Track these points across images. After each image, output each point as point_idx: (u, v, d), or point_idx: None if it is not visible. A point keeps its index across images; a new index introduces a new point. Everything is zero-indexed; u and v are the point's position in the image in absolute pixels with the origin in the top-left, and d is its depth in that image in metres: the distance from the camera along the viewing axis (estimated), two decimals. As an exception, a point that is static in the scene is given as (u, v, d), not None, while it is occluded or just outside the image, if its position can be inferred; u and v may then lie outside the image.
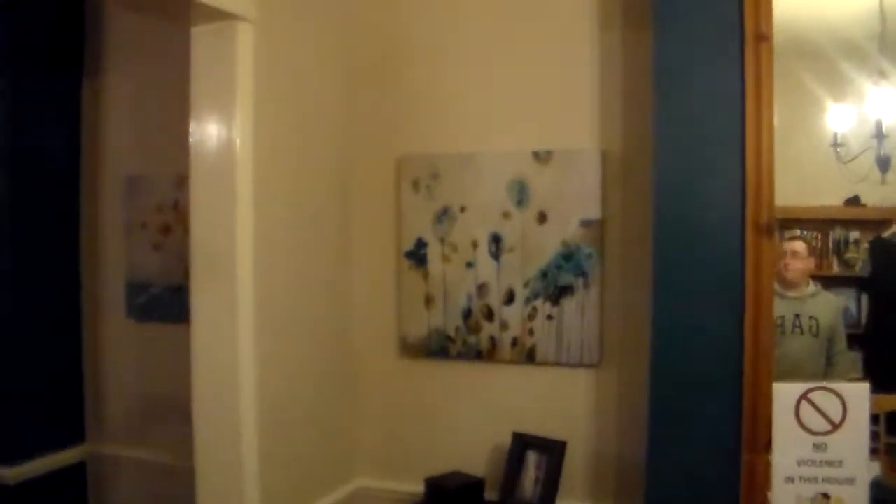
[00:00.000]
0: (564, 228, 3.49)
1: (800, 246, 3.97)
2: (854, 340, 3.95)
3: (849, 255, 4.14)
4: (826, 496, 2.60)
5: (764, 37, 2.83)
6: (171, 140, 3.54)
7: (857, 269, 4.12)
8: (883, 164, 3.75)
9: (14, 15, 3.97)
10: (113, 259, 4.27)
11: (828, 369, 3.87)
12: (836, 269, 4.16)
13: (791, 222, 4.13)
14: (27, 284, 4.03)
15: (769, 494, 2.62)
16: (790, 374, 3.30)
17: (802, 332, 3.84)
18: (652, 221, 2.99)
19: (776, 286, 3.78)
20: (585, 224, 3.46)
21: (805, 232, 4.13)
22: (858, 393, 2.60)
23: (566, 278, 3.49)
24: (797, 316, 3.84)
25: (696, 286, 2.93)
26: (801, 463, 2.60)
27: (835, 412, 2.58)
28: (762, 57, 2.84)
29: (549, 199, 3.52)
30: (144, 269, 4.16)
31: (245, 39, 3.12)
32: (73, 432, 4.26)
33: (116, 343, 4.29)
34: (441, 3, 3.77)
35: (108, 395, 4.31)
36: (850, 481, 2.58)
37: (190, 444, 3.24)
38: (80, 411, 4.31)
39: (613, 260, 3.46)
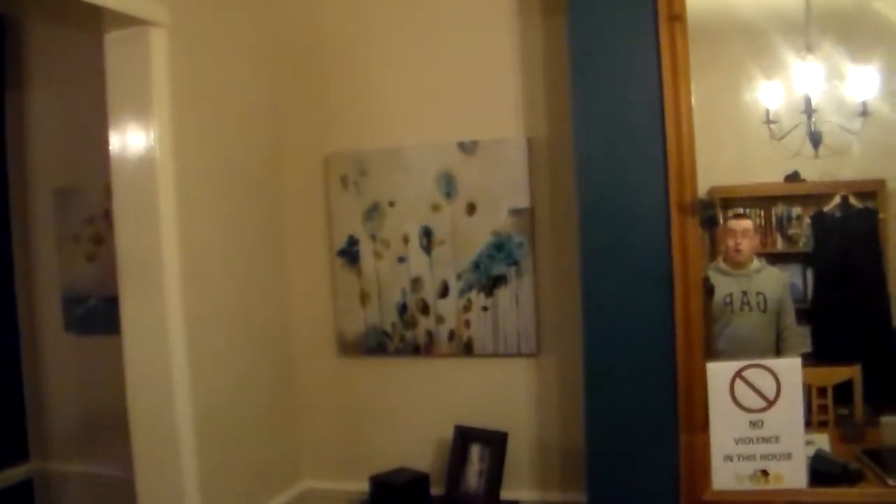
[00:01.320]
0: (494, 218, 3.50)
1: (748, 224, 3.97)
2: (802, 315, 3.96)
3: (792, 231, 4.13)
4: (765, 472, 2.61)
5: (677, 16, 2.83)
6: (97, 150, 3.48)
7: (801, 244, 4.11)
8: (814, 139, 3.76)
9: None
10: (47, 273, 4.22)
11: (779, 345, 3.88)
12: (780, 245, 4.16)
13: (733, 201, 4.13)
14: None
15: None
16: (742, 352, 3.30)
17: (751, 309, 3.84)
18: (578, 207, 2.98)
19: (723, 265, 3.80)
20: (515, 213, 3.46)
21: (748, 210, 4.13)
22: (791, 368, 2.62)
23: (499, 268, 3.50)
24: (744, 293, 3.84)
25: (624, 269, 2.92)
26: (738, 441, 2.62)
27: (769, 389, 2.60)
28: (677, 37, 2.83)
29: (477, 189, 3.53)
30: (80, 282, 4.12)
31: (158, 45, 3.09)
32: (17, 450, 4.21)
33: (56, 358, 4.24)
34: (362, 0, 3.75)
35: (50, 411, 4.26)
36: (787, 456, 2.61)
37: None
38: (22, 429, 4.26)
39: (545, 247, 3.47)
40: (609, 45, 2.94)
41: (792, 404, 2.60)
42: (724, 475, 2.64)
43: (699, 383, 2.76)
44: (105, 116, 3.19)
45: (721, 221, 3.95)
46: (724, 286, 3.81)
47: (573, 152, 2.98)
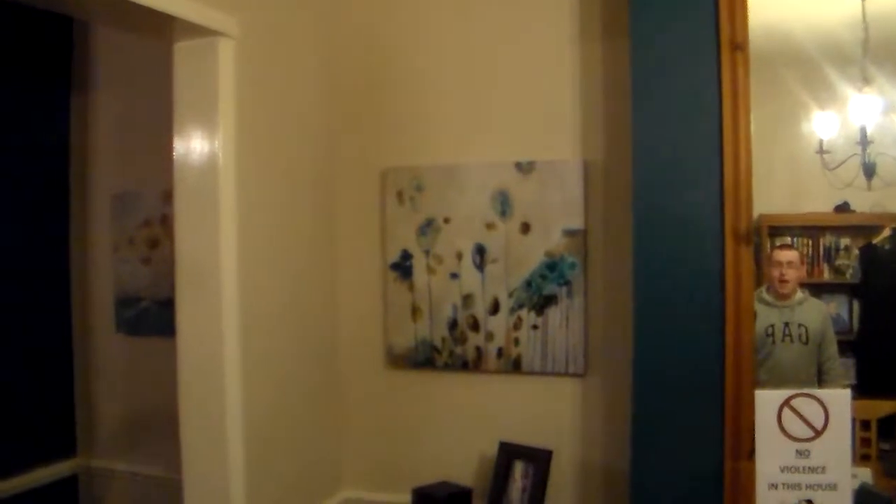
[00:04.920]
0: (548, 238, 3.52)
1: (794, 255, 3.95)
2: (846, 347, 3.94)
3: (840, 261, 4.11)
4: (810, 502, 2.60)
5: (740, 46, 2.85)
6: (158, 155, 3.56)
7: (849, 275, 4.09)
8: (868, 170, 3.75)
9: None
10: (102, 274, 4.29)
11: (821, 377, 3.86)
12: (827, 275, 4.14)
13: (782, 229, 4.12)
14: (17, 300, 4.06)
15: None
16: (784, 383, 3.29)
17: (792, 341, 3.82)
18: (633, 231, 3.00)
19: (766, 296, 3.79)
20: (569, 234, 3.48)
21: (795, 239, 4.11)
22: (840, 399, 2.60)
23: (550, 288, 3.52)
24: (786, 324, 3.82)
25: (677, 295, 2.95)
26: (784, 469, 2.60)
27: (817, 418, 2.58)
28: (738, 66, 2.86)
29: (532, 209, 3.55)
30: (133, 284, 4.17)
31: (226, 55, 3.14)
32: (65, 446, 4.28)
33: (107, 357, 4.30)
34: (424, 17, 3.79)
35: (99, 409, 4.32)
36: (833, 487, 2.58)
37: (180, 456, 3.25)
38: (71, 425, 4.33)
39: (597, 269, 3.48)
40: (670, 72, 2.97)
41: (840, 435, 2.58)
42: (769, 503, 2.64)
43: (747, 410, 2.77)
44: (165, 122, 3.23)
45: (767, 251, 3.94)
46: (766, 317, 3.80)
47: (631, 176, 3.01)
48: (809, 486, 2.59)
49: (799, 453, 2.58)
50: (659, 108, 2.98)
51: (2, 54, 4.06)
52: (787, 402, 2.59)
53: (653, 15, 2.99)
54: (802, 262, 4.02)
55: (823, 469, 2.58)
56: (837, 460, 2.58)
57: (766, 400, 2.61)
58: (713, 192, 2.88)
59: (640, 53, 3.01)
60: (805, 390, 2.59)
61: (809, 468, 2.59)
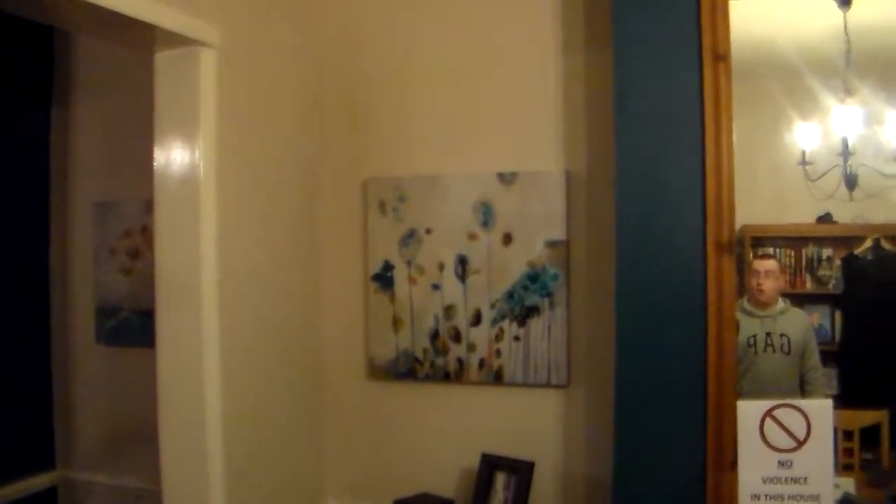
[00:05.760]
0: (530, 249, 3.51)
1: (773, 265, 3.95)
2: (829, 357, 3.94)
3: (822, 272, 4.11)
4: (792, 513, 2.59)
5: (722, 56, 2.85)
6: (138, 166, 3.54)
7: (831, 286, 4.09)
8: (850, 182, 3.75)
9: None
10: (82, 284, 4.27)
11: (804, 387, 3.85)
12: (809, 286, 4.14)
13: (765, 240, 4.12)
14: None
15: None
16: (766, 394, 3.28)
17: (775, 351, 3.82)
18: (615, 242, 3.00)
19: (748, 306, 3.78)
20: (551, 245, 3.47)
21: (778, 249, 4.12)
22: (822, 409, 2.60)
23: (532, 299, 3.51)
24: (768, 334, 3.81)
25: (659, 306, 2.94)
26: (766, 480, 2.60)
27: (799, 429, 2.58)
28: (720, 77, 2.86)
29: (514, 220, 3.54)
30: (114, 294, 4.16)
31: (208, 65, 3.13)
32: (44, 458, 4.25)
33: (86, 368, 4.28)
34: (406, 28, 3.78)
35: (78, 421, 4.30)
36: (816, 498, 2.58)
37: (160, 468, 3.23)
38: (50, 437, 4.30)
39: (579, 280, 3.47)
40: (652, 83, 2.97)
41: (822, 446, 2.58)
42: (751, 514, 2.63)
43: (729, 421, 2.76)
44: (146, 132, 3.23)
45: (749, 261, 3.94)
46: (749, 327, 3.80)
47: (613, 187, 3.01)
48: (792, 497, 2.59)
49: (781, 464, 2.58)
50: (641, 119, 2.97)
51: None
52: (769, 413, 2.59)
53: (635, 26, 2.99)
54: (783, 272, 4.02)
55: (806, 480, 2.58)
56: (820, 471, 2.58)
57: (749, 410, 2.61)
58: (695, 203, 2.88)
59: (623, 64, 3.00)
60: (787, 401, 2.59)
61: (792, 479, 2.59)
